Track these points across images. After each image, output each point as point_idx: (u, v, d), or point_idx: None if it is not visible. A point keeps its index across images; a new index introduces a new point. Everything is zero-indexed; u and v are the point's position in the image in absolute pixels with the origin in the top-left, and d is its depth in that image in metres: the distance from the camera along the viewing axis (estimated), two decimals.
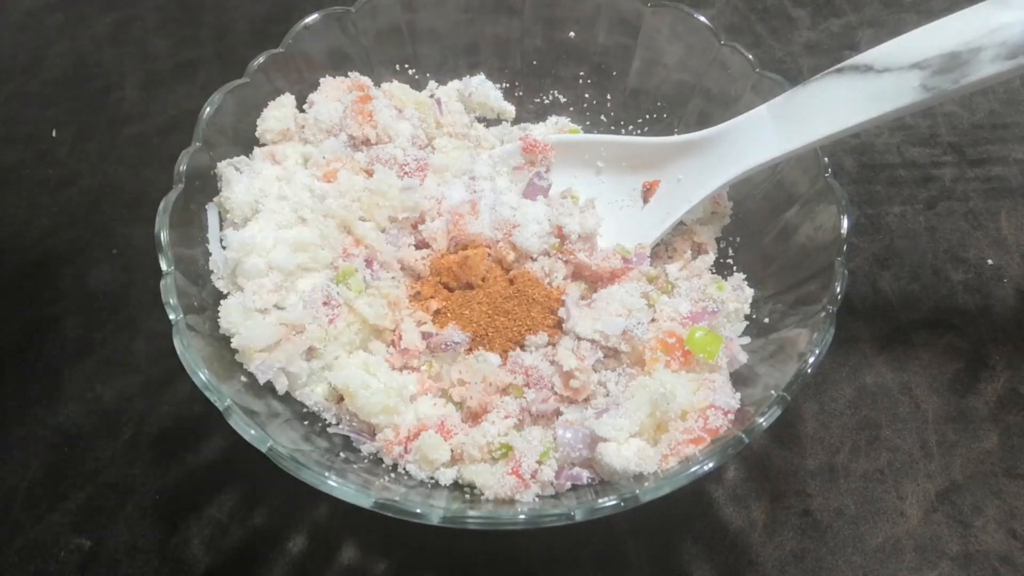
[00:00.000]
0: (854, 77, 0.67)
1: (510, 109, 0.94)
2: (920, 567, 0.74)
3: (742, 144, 0.74)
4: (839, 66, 0.67)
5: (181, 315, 0.65)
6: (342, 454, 0.69)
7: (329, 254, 0.75)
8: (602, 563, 0.74)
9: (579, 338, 0.71)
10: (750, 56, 0.81)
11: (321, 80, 0.87)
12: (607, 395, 0.71)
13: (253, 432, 0.61)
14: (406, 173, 0.81)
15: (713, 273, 0.82)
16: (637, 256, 0.77)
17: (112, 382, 0.85)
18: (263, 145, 0.83)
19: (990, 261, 0.92)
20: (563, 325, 0.73)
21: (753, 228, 0.83)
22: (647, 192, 0.82)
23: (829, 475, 0.78)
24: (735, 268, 0.82)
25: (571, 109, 0.97)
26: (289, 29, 0.84)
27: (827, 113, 0.68)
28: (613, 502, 0.59)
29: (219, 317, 0.70)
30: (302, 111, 0.86)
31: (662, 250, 0.83)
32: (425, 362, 0.74)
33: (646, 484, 0.62)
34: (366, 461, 0.70)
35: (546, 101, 0.97)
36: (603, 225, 0.82)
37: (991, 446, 0.80)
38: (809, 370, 0.64)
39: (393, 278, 0.77)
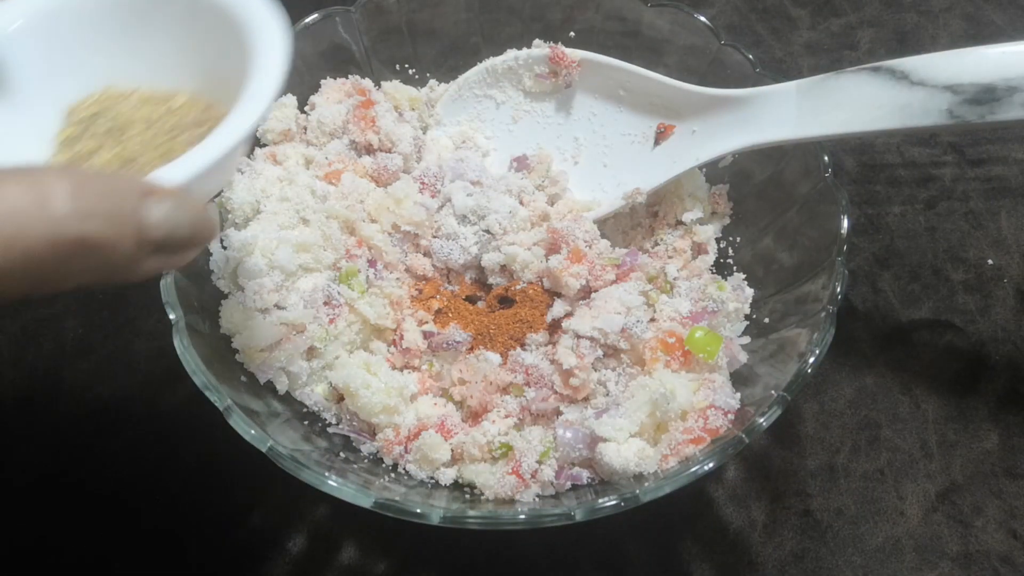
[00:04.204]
0: (887, 81, 0.65)
1: None
2: (920, 567, 0.74)
3: (764, 114, 0.73)
4: (877, 64, 0.66)
5: (181, 315, 0.65)
6: (342, 454, 0.69)
7: (332, 255, 0.75)
8: (602, 563, 0.74)
9: (578, 336, 0.71)
10: (750, 56, 0.81)
11: (322, 82, 0.87)
12: (607, 395, 0.71)
13: (253, 432, 0.61)
14: (424, 186, 0.81)
15: (713, 273, 0.82)
16: (630, 255, 0.77)
17: (112, 382, 0.85)
18: (264, 145, 0.84)
19: (990, 261, 0.92)
20: (562, 323, 0.73)
21: (753, 228, 0.83)
22: (660, 135, 0.82)
23: (829, 475, 0.78)
24: (735, 268, 0.82)
25: None
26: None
27: (852, 110, 0.67)
28: (613, 502, 0.59)
29: (219, 317, 0.70)
30: (303, 112, 0.86)
31: (662, 250, 0.83)
32: (426, 361, 0.74)
33: (646, 484, 0.62)
34: (366, 461, 0.70)
35: None
36: (610, 158, 0.85)
37: (991, 446, 0.80)
38: (809, 370, 0.64)
39: (397, 279, 0.77)
